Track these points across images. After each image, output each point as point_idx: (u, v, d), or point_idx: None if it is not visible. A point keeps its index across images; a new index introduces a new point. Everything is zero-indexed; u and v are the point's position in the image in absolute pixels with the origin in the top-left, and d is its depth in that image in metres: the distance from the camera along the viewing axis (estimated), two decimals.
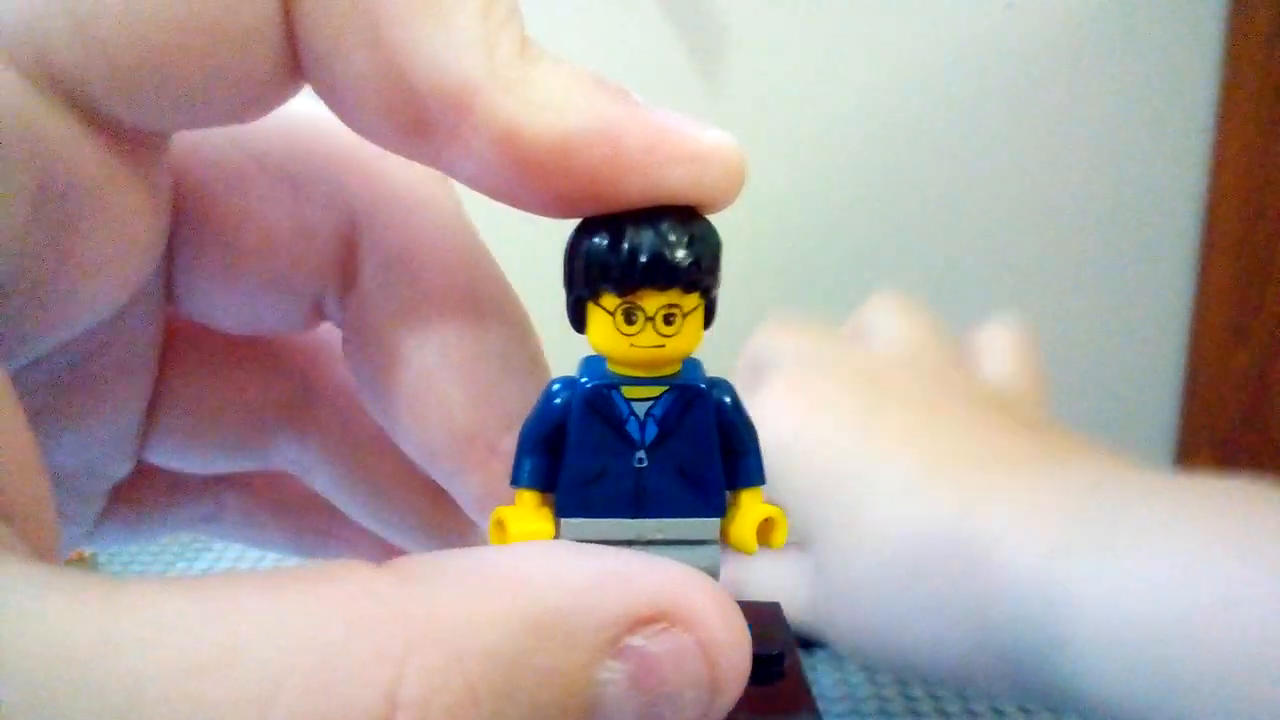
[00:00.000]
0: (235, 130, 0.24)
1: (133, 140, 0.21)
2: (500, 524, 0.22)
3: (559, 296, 0.22)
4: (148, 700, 0.14)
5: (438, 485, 0.28)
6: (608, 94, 0.20)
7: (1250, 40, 0.90)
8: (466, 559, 0.18)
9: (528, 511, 0.22)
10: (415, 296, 0.24)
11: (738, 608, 0.20)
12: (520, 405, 0.23)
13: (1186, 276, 0.99)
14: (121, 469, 0.27)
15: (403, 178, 0.25)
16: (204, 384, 0.27)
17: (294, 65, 0.21)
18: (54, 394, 0.24)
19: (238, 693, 0.14)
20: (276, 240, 0.25)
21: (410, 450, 0.25)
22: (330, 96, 0.21)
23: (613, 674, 0.18)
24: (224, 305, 0.26)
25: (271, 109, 0.22)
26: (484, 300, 0.25)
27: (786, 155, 0.93)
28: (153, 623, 0.15)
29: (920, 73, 0.93)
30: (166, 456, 0.28)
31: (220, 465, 0.29)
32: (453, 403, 0.24)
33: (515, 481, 0.23)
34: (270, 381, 0.28)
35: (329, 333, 0.29)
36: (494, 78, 0.19)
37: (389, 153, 0.24)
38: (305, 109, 0.23)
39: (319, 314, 0.26)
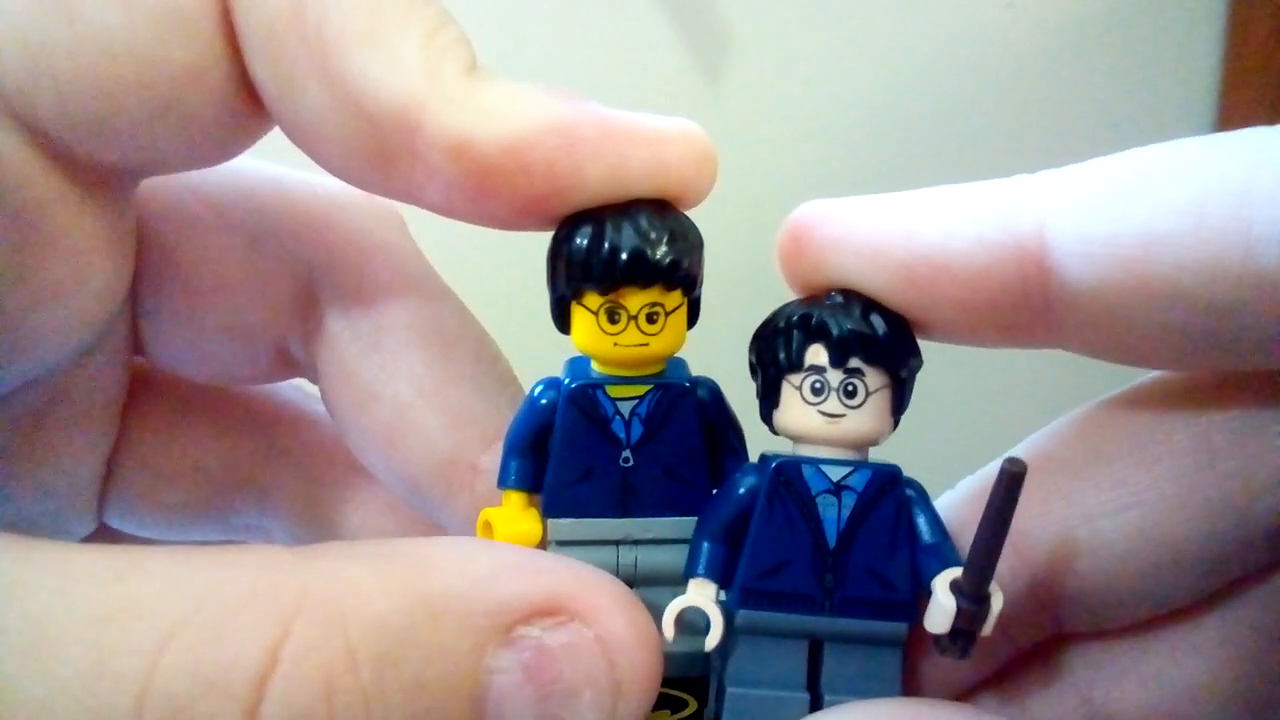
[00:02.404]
0: (193, 180, 0.25)
1: (92, 174, 0.21)
2: (487, 525, 0.22)
3: (541, 305, 0.22)
4: (50, 641, 0.15)
5: None
6: (557, 96, 0.20)
7: (1250, 40, 0.90)
8: (377, 544, 0.19)
9: (515, 512, 0.22)
10: (378, 334, 0.25)
11: (645, 610, 0.19)
12: (496, 423, 0.24)
13: None
14: (82, 527, 0.27)
15: (356, 226, 0.26)
16: (167, 444, 0.28)
17: (250, 106, 0.22)
18: (14, 438, 0.24)
19: (132, 642, 0.15)
20: (232, 287, 0.25)
21: (395, 486, 0.26)
22: (296, 135, 0.22)
23: (505, 663, 0.18)
24: (188, 351, 0.26)
25: (235, 150, 0.23)
26: (446, 329, 0.25)
27: (789, 155, 0.93)
28: (61, 574, 0.16)
29: (921, 72, 0.93)
30: (125, 518, 0.28)
31: (179, 531, 0.29)
32: (431, 430, 0.24)
33: (502, 483, 0.23)
34: (234, 443, 0.28)
35: (295, 395, 0.29)
36: (439, 94, 0.20)
37: (344, 204, 0.25)
38: (264, 164, 0.24)
39: (286, 363, 0.27)
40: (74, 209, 0.21)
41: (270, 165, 0.24)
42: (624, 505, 0.22)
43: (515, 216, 0.21)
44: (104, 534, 0.28)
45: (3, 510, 0.24)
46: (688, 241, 0.21)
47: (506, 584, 0.18)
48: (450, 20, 0.21)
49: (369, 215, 0.26)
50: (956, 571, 0.21)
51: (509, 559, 0.19)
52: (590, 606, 0.18)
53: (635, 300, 0.21)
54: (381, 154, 0.20)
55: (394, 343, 0.25)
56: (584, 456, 0.22)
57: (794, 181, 0.95)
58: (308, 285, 0.26)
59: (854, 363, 0.21)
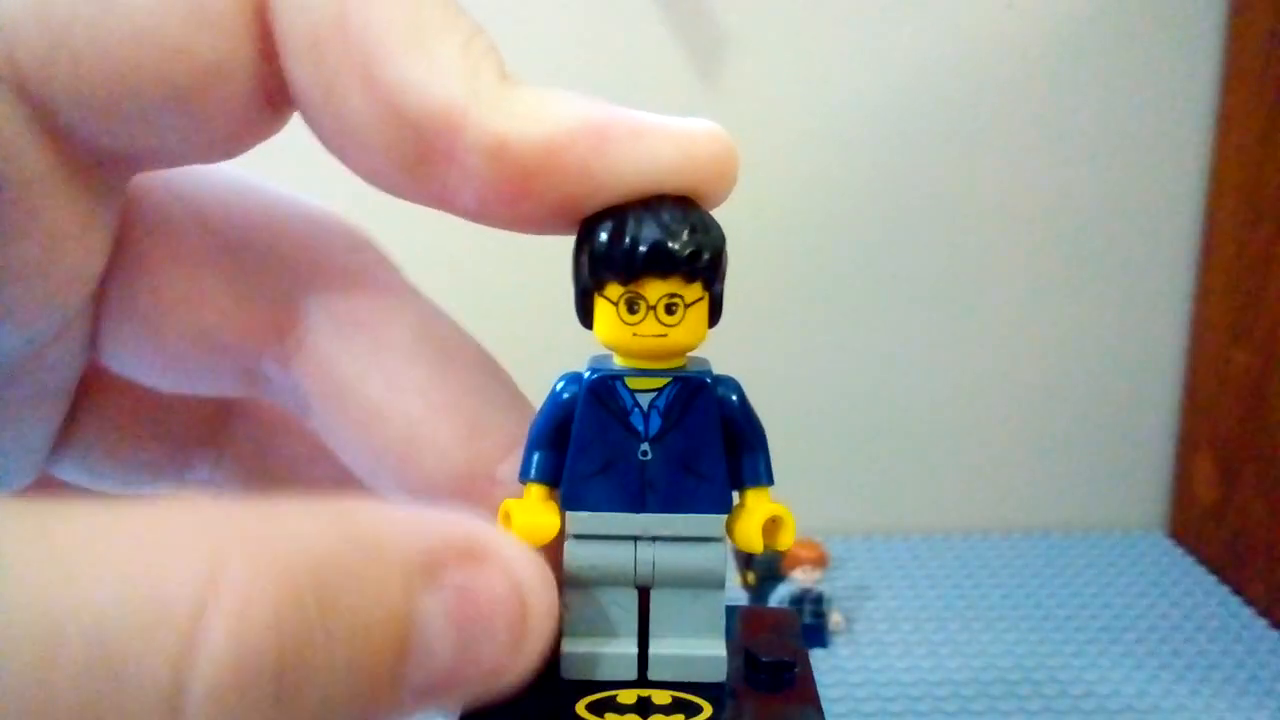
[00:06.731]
0: (179, 184, 0.25)
1: (88, 157, 0.21)
2: (507, 515, 0.22)
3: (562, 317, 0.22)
4: None
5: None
6: (587, 100, 0.21)
7: (1250, 40, 0.90)
8: (299, 498, 0.19)
9: (534, 504, 0.23)
10: (378, 352, 0.25)
11: (542, 558, 0.20)
12: (510, 432, 0.24)
13: (1186, 276, 0.99)
14: (22, 480, 0.27)
15: (342, 246, 0.26)
16: (130, 402, 0.27)
17: (266, 110, 0.22)
18: None
19: (62, 573, 0.14)
20: (204, 296, 0.25)
21: (412, 497, 0.25)
22: (333, 140, 0.22)
23: (431, 604, 0.18)
24: (146, 357, 0.26)
25: (238, 152, 0.23)
26: (447, 344, 0.25)
27: (786, 156, 0.93)
28: None
29: (921, 72, 0.93)
30: (79, 473, 0.27)
31: (134, 486, 0.28)
32: (445, 443, 0.24)
33: (523, 475, 0.23)
34: (198, 403, 0.28)
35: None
36: (479, 99, 0.20)
37: (325, 223, 0.26)
38: (253, 176, 0.24)
39: (251, 382, 0.26)
40: (58, 189, 0.21)
41: (255, 176, 0.24)
42: (642, 500, 0.22)
43: (548, 216, 0.21)
44: (44, 482, 0.28)
45: None
46: (709, 234, 0.21)
47: (430, 528, 0.18)
48: (482, 29, 0.21)
49: (348, 236, 0.26)
50: None
51: (424, 510, 0.19)
52: (502, 552, 0.19)
53: (655, 290, 0.21)
54: (419, 158, 0.21)
55: (396, 359, 0.25)
56: (602, 448, 0.22)
57: (792, 182, 0.95)
58: (288, 304, 0.25)
59: None
